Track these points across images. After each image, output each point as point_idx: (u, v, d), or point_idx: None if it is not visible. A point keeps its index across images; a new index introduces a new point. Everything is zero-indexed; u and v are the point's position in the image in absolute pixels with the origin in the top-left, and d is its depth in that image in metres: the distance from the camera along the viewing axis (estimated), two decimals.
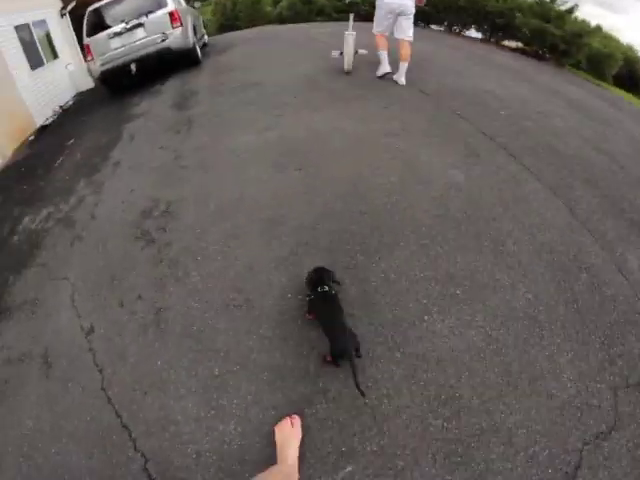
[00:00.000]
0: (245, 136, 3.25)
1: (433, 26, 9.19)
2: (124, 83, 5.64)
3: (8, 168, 4.34)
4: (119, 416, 1.51)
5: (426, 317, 1.69)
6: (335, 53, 4.35)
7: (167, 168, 3.10)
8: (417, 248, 1.99)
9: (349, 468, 1.33)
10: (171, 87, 5.32)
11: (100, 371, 1.69)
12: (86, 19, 5.33)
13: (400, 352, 1.59)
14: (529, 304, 1.73)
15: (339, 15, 9.58)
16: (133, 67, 5.34)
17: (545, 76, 5.89)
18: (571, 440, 1.40)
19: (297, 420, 1.38)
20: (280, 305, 1.79)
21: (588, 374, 1.54)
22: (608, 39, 8.25)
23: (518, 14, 7.13)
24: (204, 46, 7.25)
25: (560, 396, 1.48)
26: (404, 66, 3.99)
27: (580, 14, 7.12)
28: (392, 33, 4.00)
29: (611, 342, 1.65)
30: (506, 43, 8.01)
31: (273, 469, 1.18)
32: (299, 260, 1.98)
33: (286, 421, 1.37)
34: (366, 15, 6.50)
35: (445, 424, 1.40)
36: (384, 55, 4.10)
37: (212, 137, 3.42)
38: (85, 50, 5.37)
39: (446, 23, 8.96)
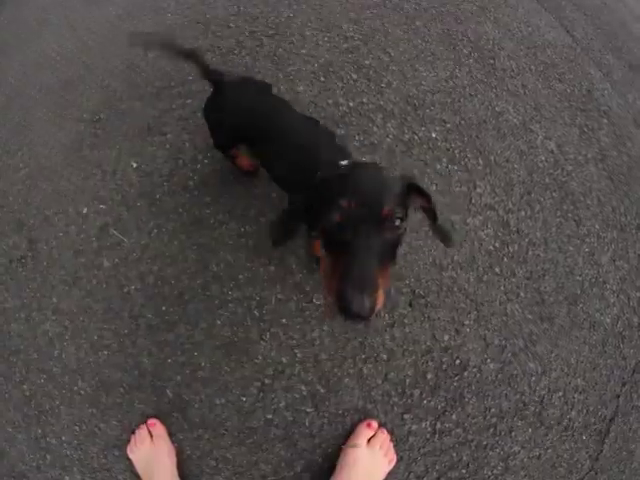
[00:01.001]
0: None
1: None
2: None
3: None
4: None
5: None
6: None
7: None
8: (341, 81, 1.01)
9: None
10: None
11: None
12: None
13: None
14: (555, 160, 1.01)
15: None
16: None
17: None
18: (610, 385, 0.88)
19: (159, 427, 0.80)
20: (76, 241, 0.90)
21: (629, 278, 0.97)
22: None
23: None
24: None
25: (603, 322, 0.89)
26: None
27: None
28: None
29: None
30: None
31: None
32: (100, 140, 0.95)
33: (141, 434, 0.80)
34: None
35: (442, 424, 0.70)
36: None
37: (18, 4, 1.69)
38: None
39: None
